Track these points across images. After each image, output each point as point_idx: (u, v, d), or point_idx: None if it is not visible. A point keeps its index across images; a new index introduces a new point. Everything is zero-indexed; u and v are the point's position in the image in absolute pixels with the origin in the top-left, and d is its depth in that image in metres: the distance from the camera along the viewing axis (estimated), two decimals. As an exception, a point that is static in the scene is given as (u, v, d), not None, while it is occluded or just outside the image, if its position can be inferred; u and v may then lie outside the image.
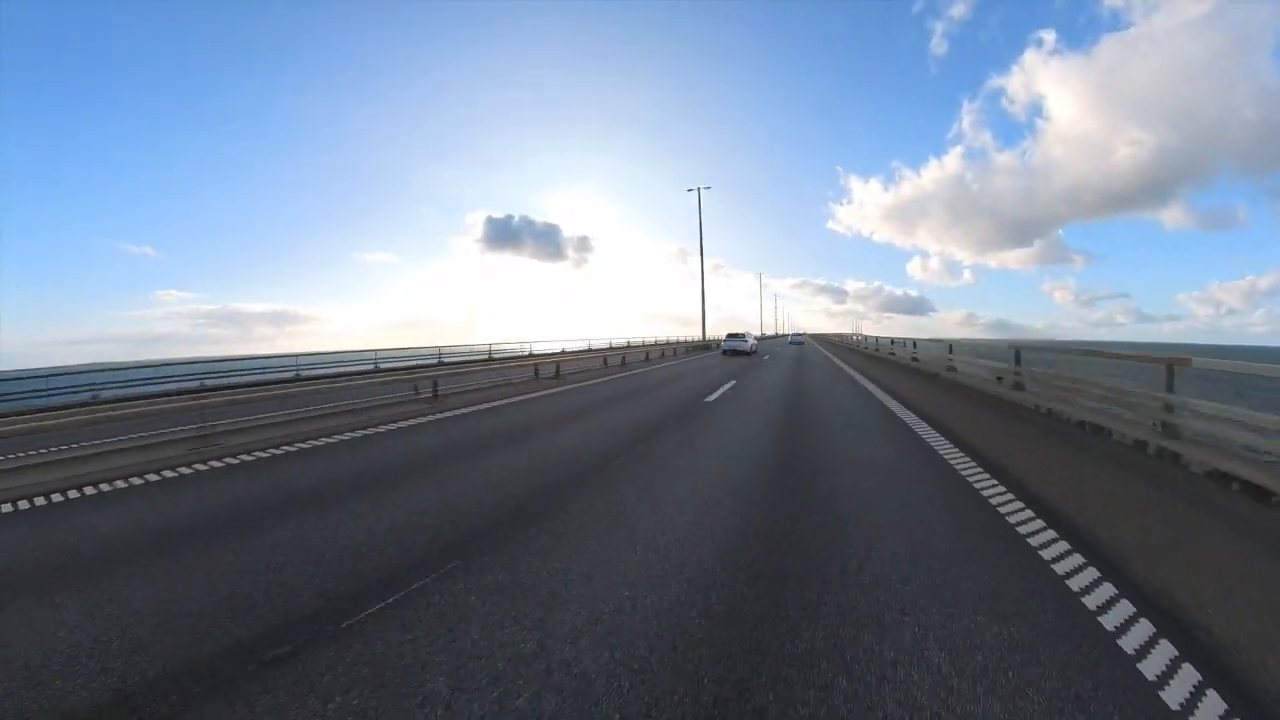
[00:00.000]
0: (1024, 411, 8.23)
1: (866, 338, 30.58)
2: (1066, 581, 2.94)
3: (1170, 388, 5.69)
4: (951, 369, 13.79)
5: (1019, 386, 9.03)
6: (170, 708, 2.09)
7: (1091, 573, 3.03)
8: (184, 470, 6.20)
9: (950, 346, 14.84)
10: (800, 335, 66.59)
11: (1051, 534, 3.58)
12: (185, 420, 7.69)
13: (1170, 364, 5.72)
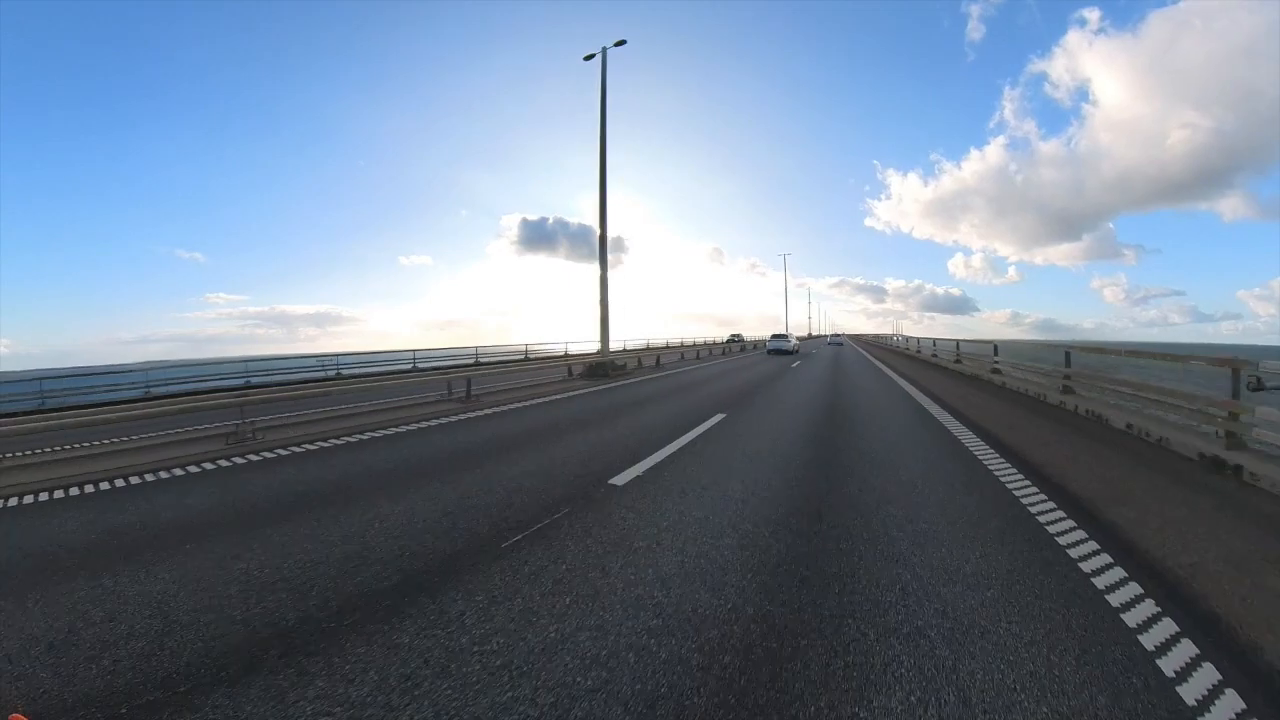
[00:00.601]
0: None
1: (907, 339, 29.63)
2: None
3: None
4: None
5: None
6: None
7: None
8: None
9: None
10: (839, 336, 65.38)
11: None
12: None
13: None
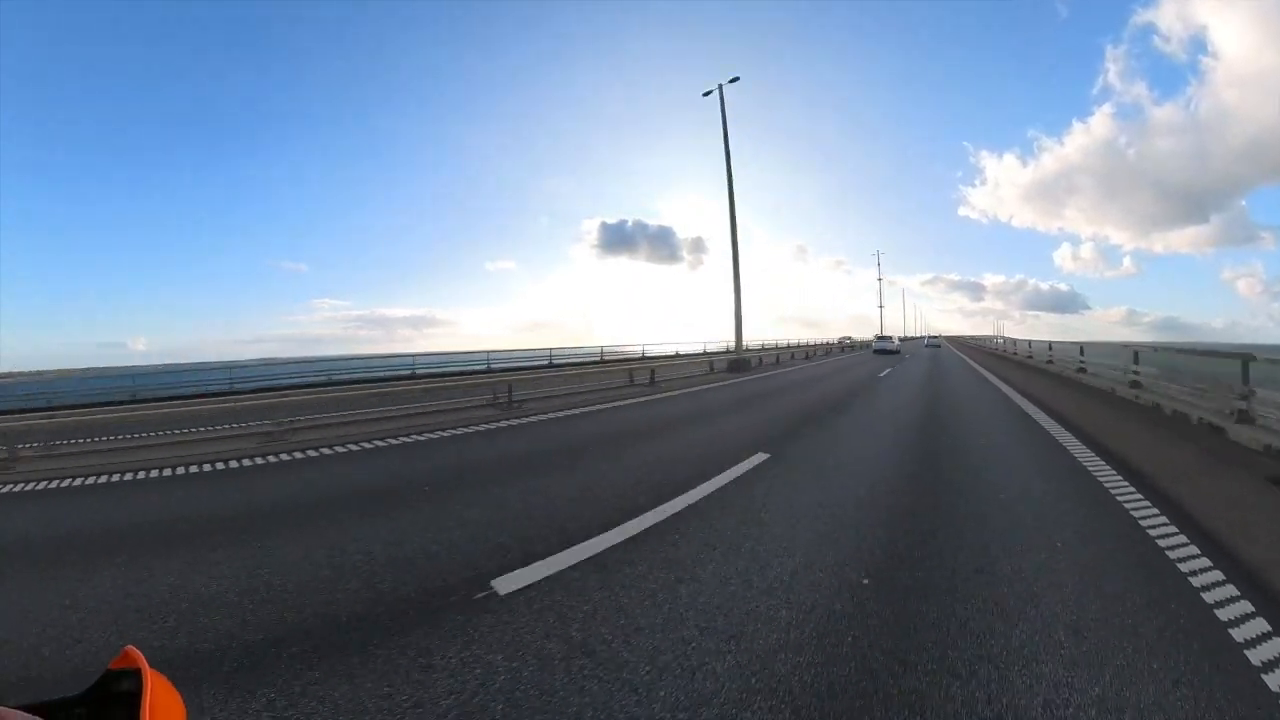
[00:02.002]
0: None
1: (1016, 342, 26.36)
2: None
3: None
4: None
5: (1245, 418, 6.54)
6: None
7: None
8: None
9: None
10: (936, 338, 61.10)
11: None
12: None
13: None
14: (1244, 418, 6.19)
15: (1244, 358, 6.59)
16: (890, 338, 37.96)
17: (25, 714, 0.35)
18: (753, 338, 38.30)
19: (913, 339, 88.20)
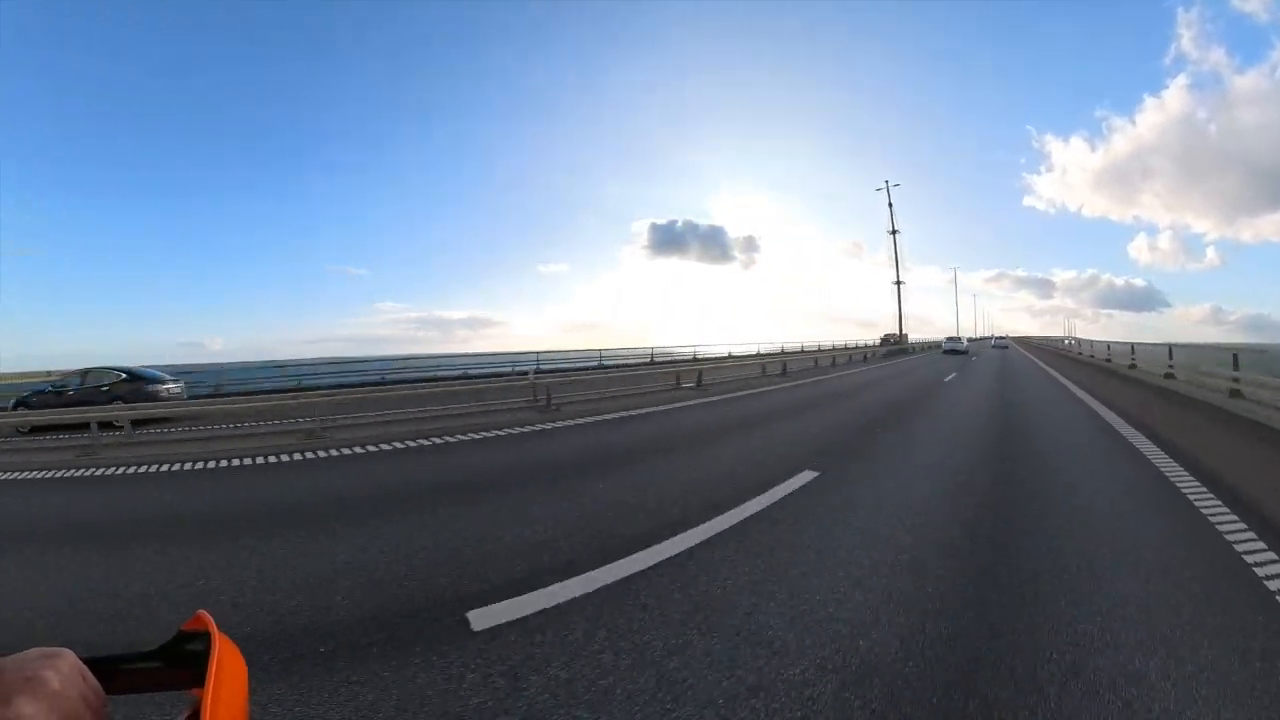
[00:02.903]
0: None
1: (1092, 344, 24.40)
2: None
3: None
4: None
5: None
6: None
7: None
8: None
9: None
10: (1003, 339, 58.20)
11: None
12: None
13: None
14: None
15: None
16: (959, 338, 43.01)
17: (77, 661, 0.38)
18: (790, 339, 40.16)
19: (978, 340, 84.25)
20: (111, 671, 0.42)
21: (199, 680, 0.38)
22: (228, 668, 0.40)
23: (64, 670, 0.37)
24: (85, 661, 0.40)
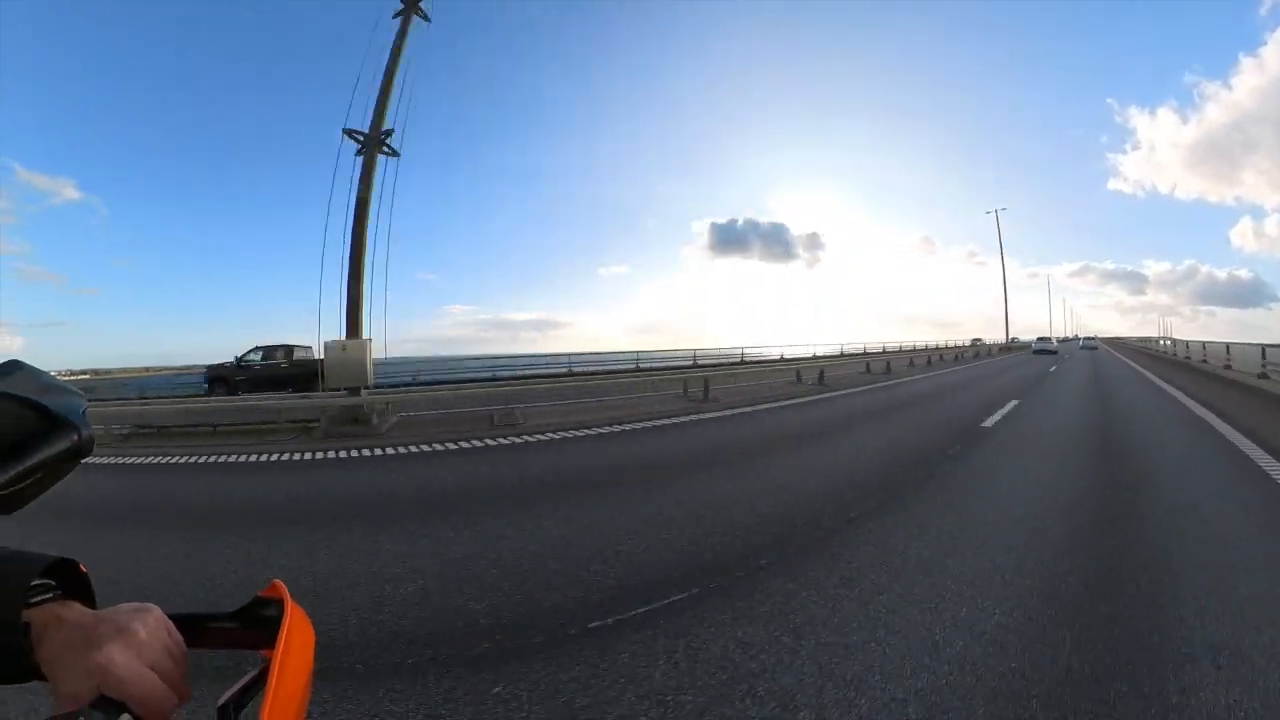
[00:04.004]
0: None
1: (1205, 348, 19.61)
2: None
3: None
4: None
5: None
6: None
7: None
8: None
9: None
10: (1092, 339, 55.41)
11: None
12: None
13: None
14: None
15: None
16: (1049, 339, 46.08)
17: (163, 616, 0.42)
18: (852, 340, 39.73)
19: (1065, 341, 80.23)
20: (194, 627, 0.46)
21: (270, 642, 0.42)
22: (297, 634, 0.43)
23: (151, 624, 0.41)
24: (171, 618, 0.44)
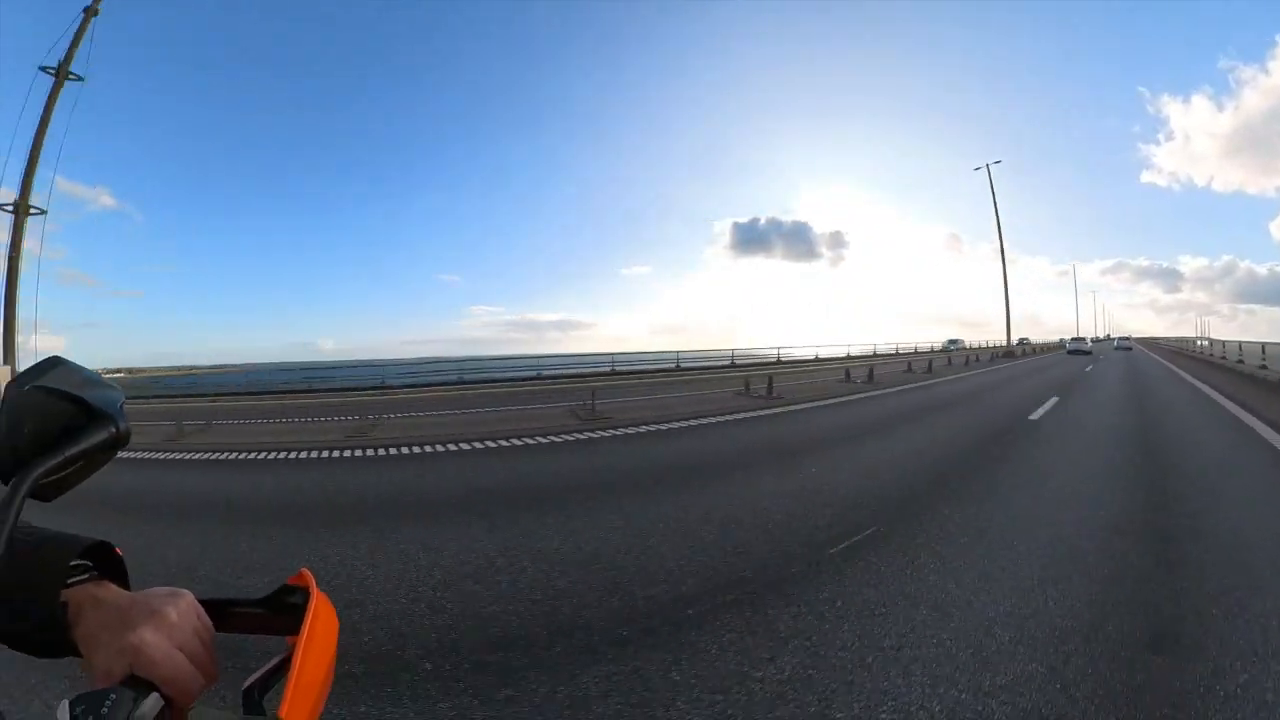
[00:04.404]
0: None
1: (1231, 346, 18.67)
2: None
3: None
4: None
5: None
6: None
7: None
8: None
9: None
10: (1127, 339, 54.41)
11: None
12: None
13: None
14: None
15: None
16: (1083, 339, 47.14)
17: (194, 600, 0.44)
18: (884, 341, 40.41)
19: (1098, 341, 79.03)
20: (223, 612, 0.48)
21: (295, 629, 0.43)
22: (322, 620, 0.44)
23: (182, 607, 0.43)
24: (201, 602, 0.45)
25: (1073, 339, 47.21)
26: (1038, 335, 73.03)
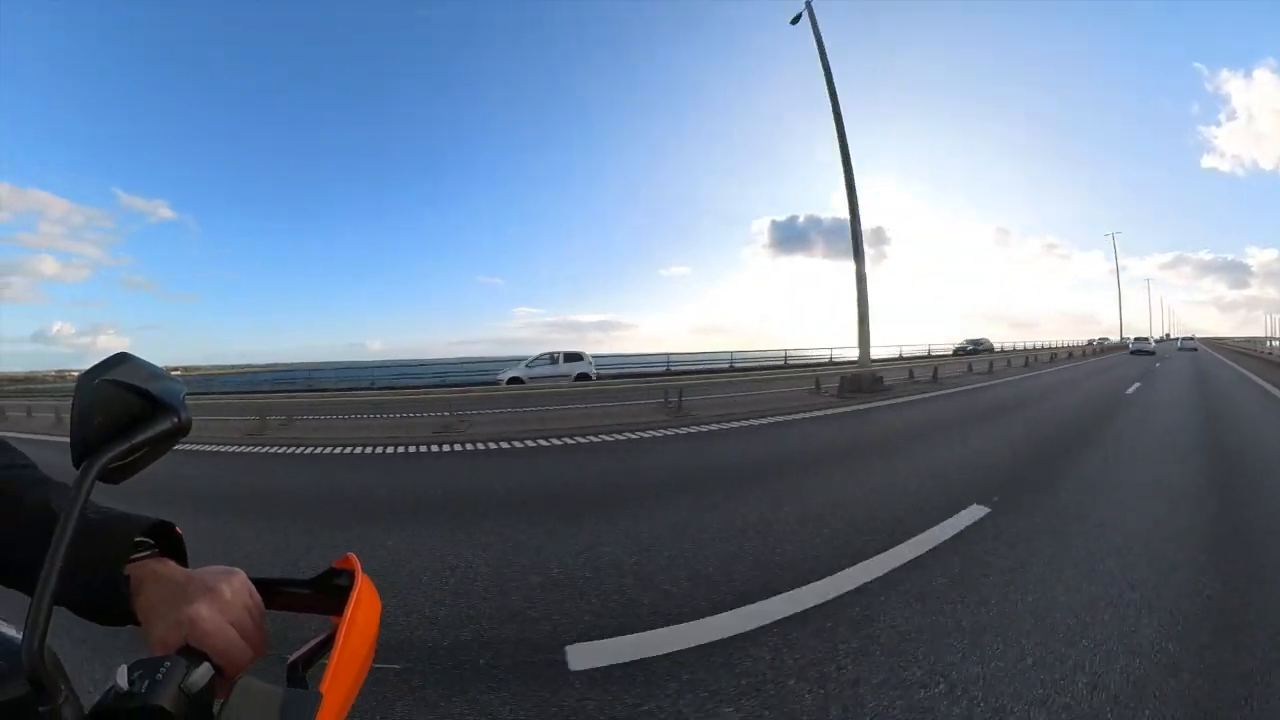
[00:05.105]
0: None
1: None
2: None
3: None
4: None
5: None
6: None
7: None
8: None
9: None
10: (1190, 339, 51.49)
11: None
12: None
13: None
14: None
15: None
16: (1147, 339, 47.77)
17: (246, 579, 0.47)
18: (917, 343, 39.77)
19: (1160, 341, 75.57)
20: (273, 591, 0.51)
21: (339, 609, 0.45)
22: (365, 603, 0.46)
23: (235, 585, 0.46)
24: (253, 581, 0.49)
25: (1135, 339, 49.96)
26: (1084, 335, 70.23)
